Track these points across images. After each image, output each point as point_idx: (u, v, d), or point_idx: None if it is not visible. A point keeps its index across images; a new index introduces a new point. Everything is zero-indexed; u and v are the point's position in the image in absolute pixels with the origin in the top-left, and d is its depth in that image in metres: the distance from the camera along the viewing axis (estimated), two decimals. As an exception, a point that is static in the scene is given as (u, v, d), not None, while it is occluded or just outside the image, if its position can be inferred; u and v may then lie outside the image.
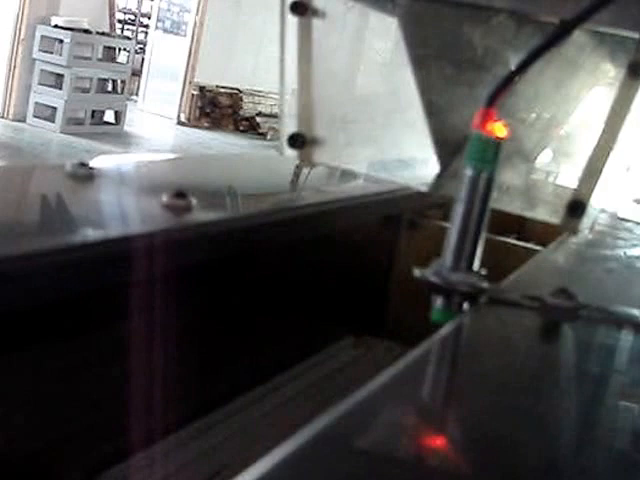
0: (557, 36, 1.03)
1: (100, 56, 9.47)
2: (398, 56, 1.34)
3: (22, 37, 8.99)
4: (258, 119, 12.00)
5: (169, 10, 11.95)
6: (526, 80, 1.34)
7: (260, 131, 11.86)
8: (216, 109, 11.79)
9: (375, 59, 1.42)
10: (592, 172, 1.28)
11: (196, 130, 11.35)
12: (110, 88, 9.77)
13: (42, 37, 9.02)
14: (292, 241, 1.50)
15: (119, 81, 9.77)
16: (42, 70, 9.07)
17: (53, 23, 9.05)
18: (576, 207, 1.28)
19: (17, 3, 8.88)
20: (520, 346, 0.97)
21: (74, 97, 9.09)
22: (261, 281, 1.47)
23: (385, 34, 1.37)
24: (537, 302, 1.06)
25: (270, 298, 1.54)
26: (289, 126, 1.40)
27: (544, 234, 2.31)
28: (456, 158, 1.35)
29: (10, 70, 9.05)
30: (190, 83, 11.65)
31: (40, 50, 9.04)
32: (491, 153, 1.02)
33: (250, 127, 11.94)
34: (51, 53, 9.04)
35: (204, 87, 11.71)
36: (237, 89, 11.94)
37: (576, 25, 1.02)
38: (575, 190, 1.29)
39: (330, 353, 1.79)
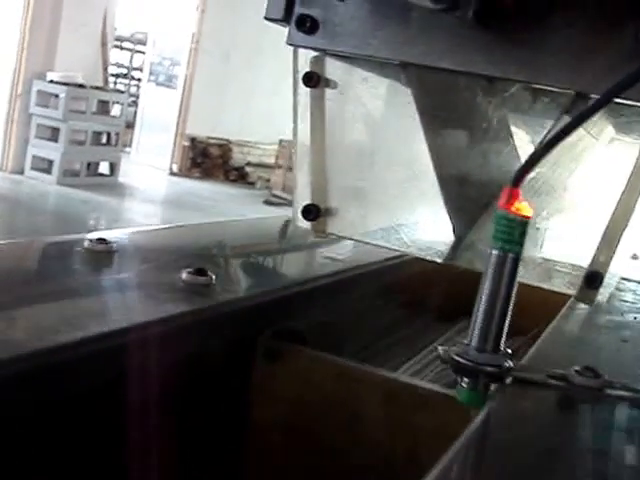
0: (586, 114, 0.99)
1: (94, 109, 9.46)
2: (412, 125, 1.30)
3: (19, 92, 8.98)
4: (247, 169, 12.01)
5: (160, 64, 11.99)
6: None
7: (249, 180, 11.87)
8: (207, 159, 11.79)
9: (389, 129, 1.39)
10: (609, 241, 1.24)
11: (188, 180, 11.34)
12: (104, 140, 9.76)
13: (38, 92, 9.02)
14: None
15: (113, 133, 9.76)
16: (39, 124, 9.07)
17: (49, 78, 9.06)
18: (593, 278, 1.23)
19: (14, 59, 8.88)
20: (561, 432, 0.92)
21: (70, 150, 9.08)
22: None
23: (399, 104, 1.34)
24: (563, 381, 1.02)
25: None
26: (303, 197, 1.35)
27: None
28: (471, 229, 1.31)
29: (8, 124, 9.03)
30: (182, 134, 11.66)
31: (37, 105, 9.04)
32: (517, 233, 0.98)
33: (239, 177, 11.94)
34: (47, 107, 9.04)
35: (195, 138, 11.72)
36: (227, 140, 11.96)
37: (607, 102, 0.98)
38: (592, 260, 1.24)
39: None
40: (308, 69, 1.34)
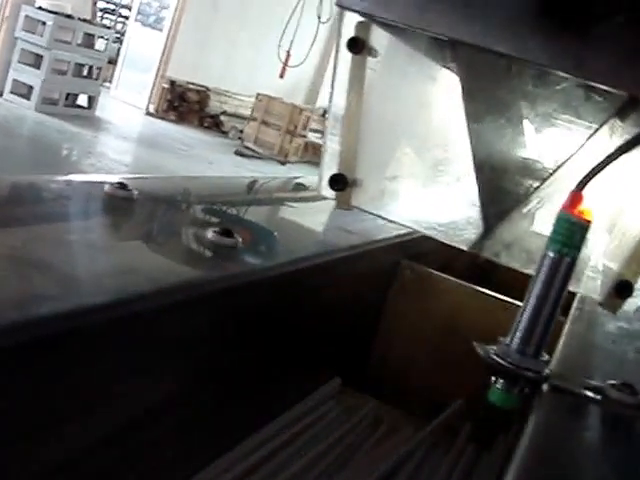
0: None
1: (79, 41, 9.20)
2: (451, 109, 1.22)
3: (6, 15, 8.70)
4: (222, 117, 11.83)
5: (149, 5, 11.70)
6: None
7: (223, 129, 11.70)
8: (184, 104, 11.58)
9: (428, 108, 1.30)
10: (641, 252, 1.17)
11: (163, 122, 11.14)
12: (86, 73, 9.52)
13: (26, 17, 8.76)
14: None
15: (95, 67, 9.53)
16: (23, 49, 8.81)
17: (37, 5, 8.81)
18: (624, 287, 1.16)
19: (4, -18, 8.62)
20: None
21: (51, 78, 8.84)
22: None
23: (442, 85, 1.25)
24: (600, 395, 0.95)
25: None
26: (330, 166, 1.26)
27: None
28: (501, 221, 1.23)
29: (-8, 45, 8.78)
30: (162, 76, 11.43)
31: (23, 30, 8.78)
32: (577, 237, 0.91)
33: (214, 124, 11.77)
34: (33, 34, 8.78)
35: (175, 82, 11.49)
36: (205, 87, 11.75)
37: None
38: (622, 270, 1.17)
39: None
40: (353, 34, 1.25)
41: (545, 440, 0.81)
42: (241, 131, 11.37)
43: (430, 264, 1.81)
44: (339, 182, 1.25)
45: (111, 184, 1.10)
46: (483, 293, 1.72)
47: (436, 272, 1.79)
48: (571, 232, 0.90)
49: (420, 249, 1.84)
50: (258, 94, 11.22)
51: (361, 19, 1.25)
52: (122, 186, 1.11)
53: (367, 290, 1.71)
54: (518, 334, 0.93)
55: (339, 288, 1.49)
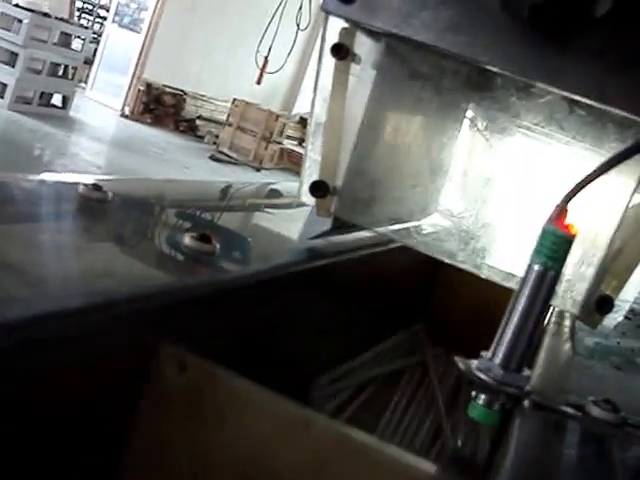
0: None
1: (56, 40, 9.11)
2: (436, 119, 1.21)
3: (-18, 10, 8.63)
4: (198, 122, 11.79)
5: (127, 6, 11.65)
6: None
7: (198, 134, 11.66)
8: (160, 107, 11.52)
9: (411, 118, 1.28)
10: (624, 267, 1.16)
11: (138, 124, 11.07)
12: (61, 73, 9.44)
13: (2, 14, 8.66)
14: None
15: (70, 67, 9.44)
16: (-2, 46, 8.73)
17: (14, 2, 8.72)
18: (604, 303, 1.15)
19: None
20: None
21: (25, 77, 8.74)
22: None
23: (425, 95, 1.24)
24: (580, 412, 0.94)
25: None
26: (311, 172, 1.24)
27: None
28: (481, 233, 1.22)
29: (-34, 41, 8.68)
30: (138, 78, 11.37)
31: (-2, 26, 8.70)
32: (562, 251, 0.89)
33: (189, 128, 11.72)
34: (8, 31, 8.68)
35: (151, 84, 11.44)
36: (182, 91, 11.71)
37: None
38: (604, 285, 1.16)
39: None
40: (337, 40, 1.23)
41: (527, 460, 0.79)
42: (217, 136, 11.34)
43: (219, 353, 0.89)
44: (320, 189, 1.24)
45: (85, 185, 1.07)
46: (310, 418, 0.85)
47: (228, 371, 0.89)
48: (557, 245, 0.89)
49: (199, 324, 0.95)
50: (234, 99, 11.21)
51: (345, 25, 1.23)
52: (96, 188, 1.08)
53: (91, 401, 0.81)
54: (501, 348, 0.92)
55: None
